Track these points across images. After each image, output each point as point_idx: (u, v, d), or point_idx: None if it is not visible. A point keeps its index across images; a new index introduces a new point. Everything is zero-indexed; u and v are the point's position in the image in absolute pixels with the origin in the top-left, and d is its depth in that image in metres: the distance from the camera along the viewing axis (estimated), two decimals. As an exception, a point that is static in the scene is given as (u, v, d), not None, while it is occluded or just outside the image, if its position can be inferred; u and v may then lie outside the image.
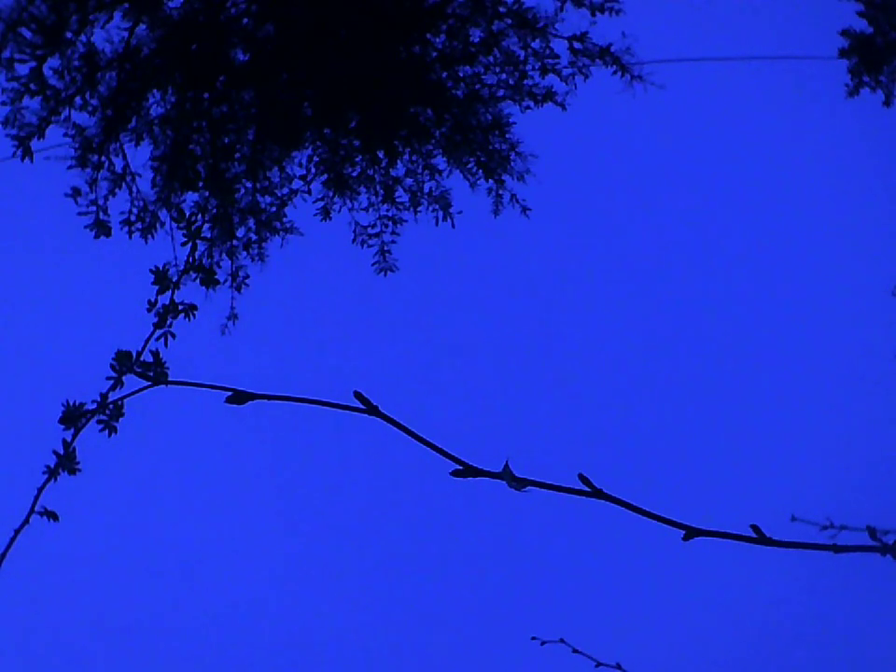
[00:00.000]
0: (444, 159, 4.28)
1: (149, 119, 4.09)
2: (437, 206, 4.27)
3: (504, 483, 1.08)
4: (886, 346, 4.40)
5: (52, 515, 2.41)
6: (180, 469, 4.63)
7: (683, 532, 1.08)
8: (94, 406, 2.39)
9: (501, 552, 4.70)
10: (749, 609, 4.48)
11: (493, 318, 4.85)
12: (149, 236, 4.07)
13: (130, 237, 4.06)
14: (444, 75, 4.23)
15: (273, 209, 4.23)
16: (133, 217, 4.06)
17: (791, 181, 4.82)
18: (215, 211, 4.15)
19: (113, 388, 2.41)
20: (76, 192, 3.98)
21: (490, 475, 1.09)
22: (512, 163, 4.25)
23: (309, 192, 4.25)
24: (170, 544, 4.61)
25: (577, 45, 4.17)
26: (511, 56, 4.21)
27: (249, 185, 4.21)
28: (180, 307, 2.70)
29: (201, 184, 4.10)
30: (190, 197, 4.13)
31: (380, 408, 1.13)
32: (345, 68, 4.06)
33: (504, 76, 4.23)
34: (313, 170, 4.24)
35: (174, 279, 2.70)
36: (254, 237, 4.22)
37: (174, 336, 2.62)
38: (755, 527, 1.08)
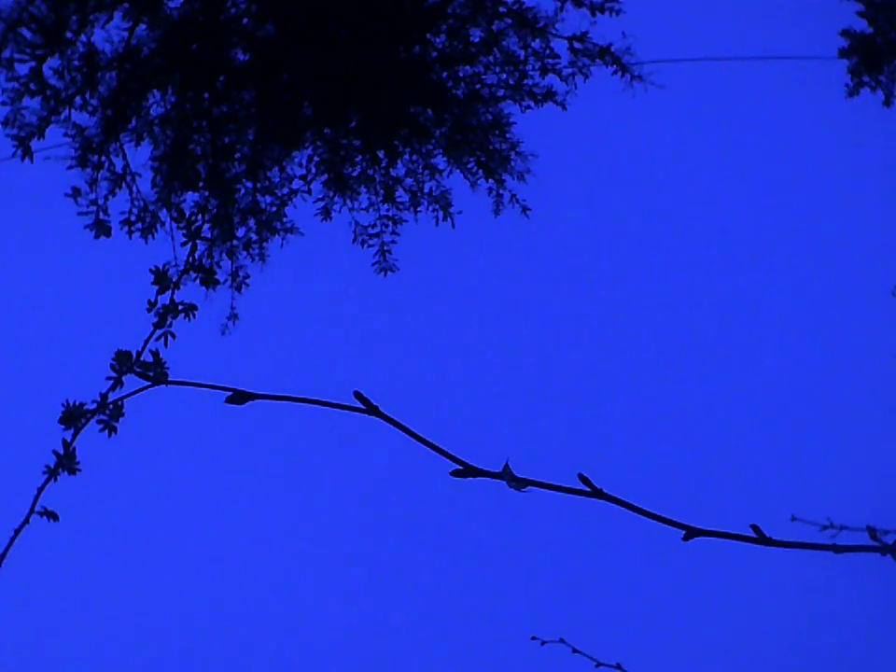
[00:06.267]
0: (444, 159, 4.28)
1: (149, 119, 4.09)
2: (437, 206, 4.27)
3: (504, 482, 1.08)
4: (886, 346, 4.40)
5: (52, 515, 2.41)
6: (180, 470, 4.63)
7: (683, 532, 1.08)
8: (94, 406, 2.39)
9: (501, 552, 4.70)
10: (749, 608, 4.48)
11: (493, 318, 4.85)
12: (149, 236, 4.08)
13: (130, 237, 4.07)
14: (444, 75, 4.23)
15: (274, 209, 4.23)
16: (133, 217, 4.07)
17: (792, 181, 4.82)
18: (215, 211, 4.15)
19: (113, 388, 2.41)
20: (76, 192, 3.98)
21: (490, 475, 1.09)
22: (512, 163, 4.25)
23: (309, 192, 4.25)
24: (170, 544, 4.61)
25: (577, 45, 4.17)
26: (511, 56, 4.21)
27: (249, 185, 4.21)
28: (180, 307, 2.70)
29: (201, 184, 4.10)
30: (190, 197, 4.13)
31: (380, 408, 1.13)
32: (345, 68, 4.06)
33: (504, 76, 4.23)
34: (313, 170, 4.25)
35: (174, 279, 2.70)
36: (254, 237, 4.22)
37: (174, 336, 2.62)
38: (755, 527, 1.08)
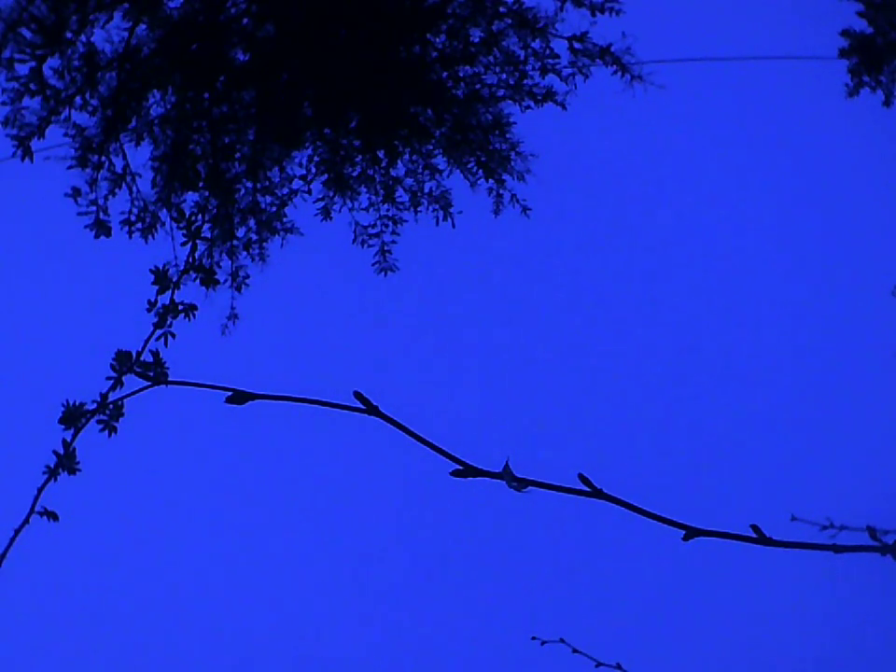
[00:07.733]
0: (444, 159, 4.28)
1: (149, 119, 4.09)
2: (437, 206, 4.27)
3: (504, 482, 1.08)
4: (886, 346, 4.40)
5: (52, 515, 2.41)
6: (180, 470, 4.63)
7: (683, 532, 1.08)
8: (94, 406, 2.39)
9: (502, 552, 4.70)
10: (749, 608, 4.48)
11: (493, 318, 4.85)
12: (149, 236, 4.08)
13: (130, 237, 4.07)
14: (444, 75, 4.23)
15: (274, 209, 4.23)
16: (133, 217, 4.07)
17: (792, 181, 4.82)
18: (215, 211, 4.15)
19: (113, 388, 2.41)
20: (76, 192, 3.98)
21: (490, 475, 1.09)
22: (513, 163, 4.25)
23: (309, 192, 4.25)
24: (170, 544, 4.61)
25: (577, 45, 4.17)
26: (511, 56, 4.21)
27: (249, 185, 4.21)
28: (180, 307, 2.70)
29: (201, 184, 4.10)
30: (190, 197, 4.13)
31: (380, 408, 1.13)
32: (345, 68, 4.06)
33: (504, 76, 4.23)
34: (313, 170, 4.25)
35: (174, 279, 2.70)
36: (254, 237, 4.22)
37: (174, 336, 2.62)
38: (755, 527, 1.08)
